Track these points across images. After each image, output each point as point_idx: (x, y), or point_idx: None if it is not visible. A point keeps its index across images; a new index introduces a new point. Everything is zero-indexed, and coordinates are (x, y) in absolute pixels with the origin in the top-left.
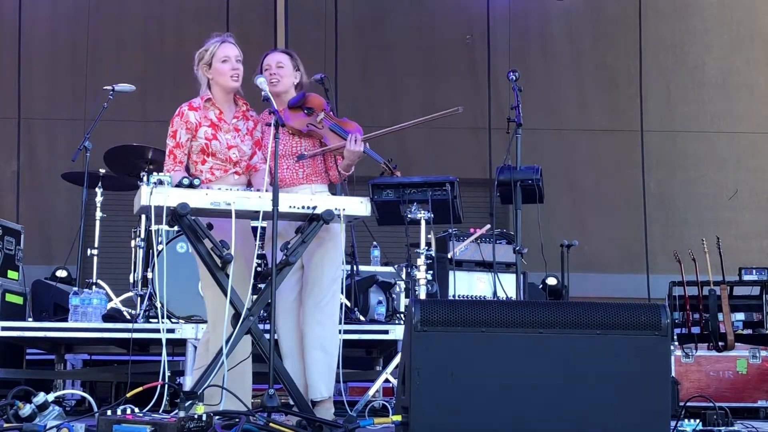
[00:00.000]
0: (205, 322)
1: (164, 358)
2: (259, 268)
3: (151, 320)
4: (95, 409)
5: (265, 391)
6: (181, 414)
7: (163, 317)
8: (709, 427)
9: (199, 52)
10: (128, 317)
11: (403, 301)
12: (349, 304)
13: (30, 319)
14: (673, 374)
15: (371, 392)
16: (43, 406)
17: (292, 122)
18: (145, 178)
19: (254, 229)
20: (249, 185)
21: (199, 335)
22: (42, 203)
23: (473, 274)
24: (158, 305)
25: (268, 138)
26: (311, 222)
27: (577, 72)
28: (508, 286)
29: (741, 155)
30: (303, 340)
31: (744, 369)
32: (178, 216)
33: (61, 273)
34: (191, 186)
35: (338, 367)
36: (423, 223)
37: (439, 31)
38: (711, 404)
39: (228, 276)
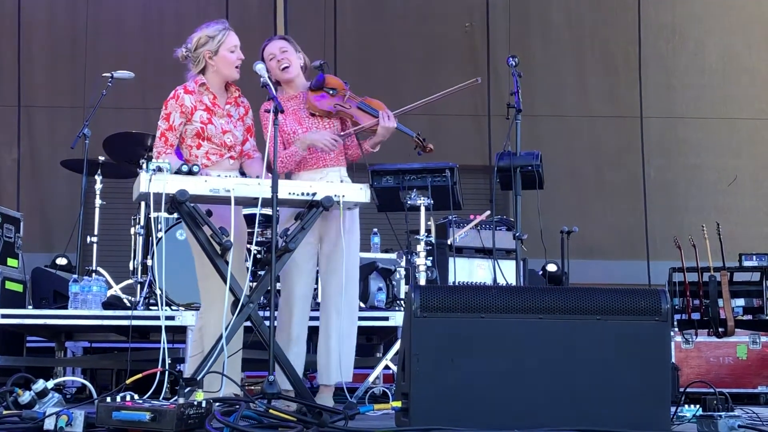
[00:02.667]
0: None
1: (164, 345)
2: (259, 255)
3: (150, 307)
4: (95, 396)
5: (266, 378)
6: (181, 401)
7: (162, 304)
8: (709, 413)
9: (200, 36)
10: (128, 304)
11: (403, 288)
12: None
13: (30, 307)
14: (673, 360)
15: (371, 379)
16: (42, 393)
17: (319, 104)
18: (144, 165)
19: (251, 216)
20: (242, 173)
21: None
22: (42, 191)
23: (473, 261)
24: (158, 292)
25: (264, 123)
26: (311, 208)
27: (576, 58)
28: (508, 272)
29: (741, 141)
30: (323, 326)
31: (744, 355)
32: (177, 203)
33: (61, 260)
34: (190, 173)
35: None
36: (423, 209)
37: (438, 18)
38: (711, 390)
39: (227, 263)
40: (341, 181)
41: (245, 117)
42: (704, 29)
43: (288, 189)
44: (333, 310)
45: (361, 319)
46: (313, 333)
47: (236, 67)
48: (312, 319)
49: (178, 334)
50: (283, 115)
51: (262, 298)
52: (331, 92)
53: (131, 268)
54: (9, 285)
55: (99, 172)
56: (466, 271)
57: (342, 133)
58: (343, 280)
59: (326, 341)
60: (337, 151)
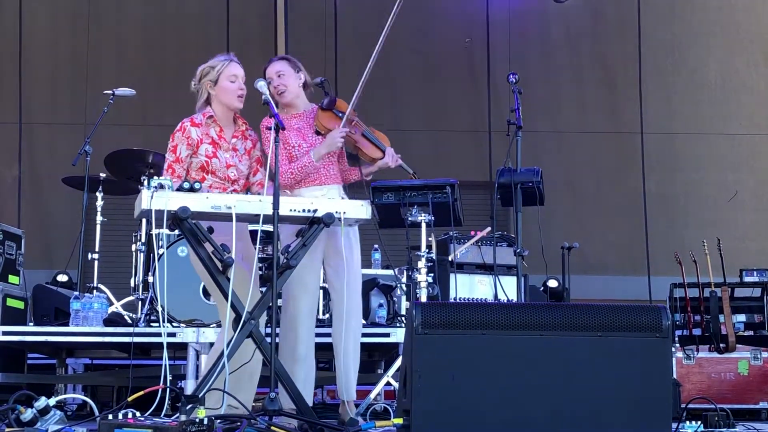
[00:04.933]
0: (206, 326)
1: (165, 362)
2: (260, 272)
3: (152, 324)
4: (96, 413)
5: (267, 395)
6: (183, 418)
7: (164, 321)
8: (710, 429)
9: (203, 68)
10: (129, 321)
11: (404, 304)
12: None
13: (31, 324)
14: (674, 376)
15: (373, 395)
16: (44, 411)
17: (327, 123)
18: (145, 182)
19: (254, 233)
20: None
21: (200, 339)
22: (43, 208)
23: (474, 277)
24: (159, 309)
25: (266, 142)
26: (312, 225)
27: (576, 74)
28: (509, 288)
29: (741, 157)
30: (342, 343)
31: (745, 370)
32: (178, 220)
33: (62, 277)
34: (192, 190)
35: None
36: (423, 225)
37: (438, 35)
38: (712, 406)
39: (229, 279)
40: (342, 198)
41: (252, 150)
42: (704, 46)
43: (289, 206)
44: (352, 324)
45: (362, 335)
46: (318, 349)
47: (238, 96)
48: (317, 335)
49: (180, 350)
50: (285, 130)
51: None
52: (340, 115)
53: (132, 284)
54: (10, 302)
55: (100, 188)
56: (467, 287)
57: (364, 170)
58: (358, 295)
59: (347, 356)
60: (336, 170)
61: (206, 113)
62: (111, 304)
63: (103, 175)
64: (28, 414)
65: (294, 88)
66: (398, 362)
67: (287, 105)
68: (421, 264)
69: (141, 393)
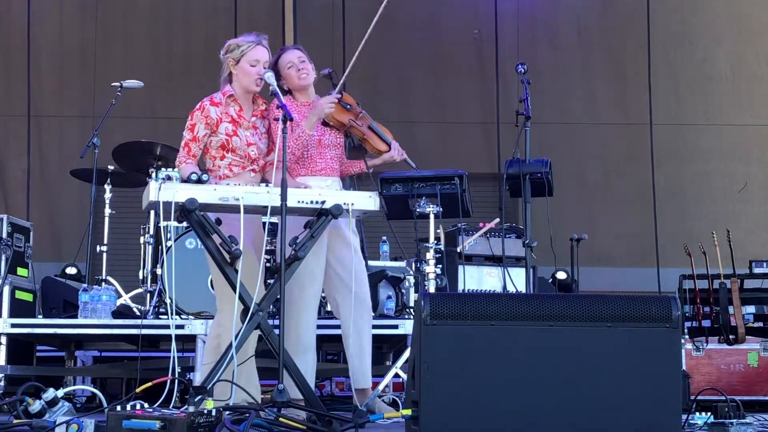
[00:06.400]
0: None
1: (174, 354)
2: (268, 264)
3: (160, 316)
4: (105, 405)
5: (275, 386)
6: (191, 409)
7: (172, 313)
8: (720, 420)
9: (230, 43)
10: (138, 313)
11: (413, 296)
12: None
13: (40, 316)
14: (683, 367)
15: (381, 387)
16: (52, 402)
17: (336, 115)
18: (153, 174)
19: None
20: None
21: (208, 331)
22: (51, 200)
23: (483, 269)
24: (168, 301)
25: (275, 131)
26: (320, 217)
27: (585, 65)
28: (517, 280)
29: (750, 148)
30: (352, 330)
31: (755, 362)
32: (186, 212)
33: (71, 270)
34: (200, 181)
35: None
36: (432, 217)
37: (446, 26)
38: (722, 397)
39: (237, 271)
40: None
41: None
42: (713, 36)
43: (297, 197)
44: (364, 313)
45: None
46: (323, 341)
47: (256, 81)
48: (320, 327)
49: (188, 342)
50: (293, 121)
51: (271, 306)
52: (347, 107)
53: (141, 277)
54: (19, 294)
55: (108, 181)
56: (476, 278)
57: (369, 162)
58: (367, 286)
59: (359, 344)
60: (338, 164)
61: (226, 92)
62: (119, 296)
63: (111, 167)
64: (36, 405)
65: (312, 77)
66: (407, 354)
67: (304, 90)
68: (430, 255)
69: (149, 384)
